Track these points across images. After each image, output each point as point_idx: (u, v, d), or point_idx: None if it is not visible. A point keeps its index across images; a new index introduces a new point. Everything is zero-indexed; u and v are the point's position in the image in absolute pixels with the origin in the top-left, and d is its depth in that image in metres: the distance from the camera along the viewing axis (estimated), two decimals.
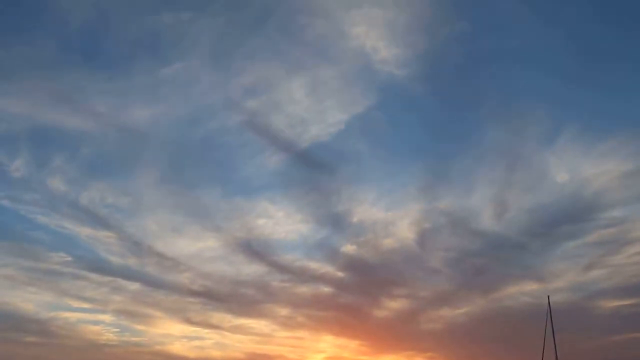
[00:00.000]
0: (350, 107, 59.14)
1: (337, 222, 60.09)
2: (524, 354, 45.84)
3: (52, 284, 54.60)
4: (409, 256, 58.55)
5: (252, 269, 59.49)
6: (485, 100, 59.24)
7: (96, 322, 55.69)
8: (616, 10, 58.14)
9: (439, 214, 58.22)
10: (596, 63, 58.50)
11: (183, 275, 57.65)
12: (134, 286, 56.48)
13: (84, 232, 56.36)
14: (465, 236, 57.17)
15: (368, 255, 59.47)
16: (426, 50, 56.88)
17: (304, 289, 59.18)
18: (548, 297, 38.76)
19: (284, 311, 58.54)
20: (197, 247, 59.52)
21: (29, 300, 53.22)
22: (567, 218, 53.80)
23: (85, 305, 55.20)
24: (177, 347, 56.48)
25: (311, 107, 59.17)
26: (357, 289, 59.66)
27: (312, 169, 60.57)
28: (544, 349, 37.86)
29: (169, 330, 57.05)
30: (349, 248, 59.24)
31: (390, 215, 60.06)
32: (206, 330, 57.89)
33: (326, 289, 59.22)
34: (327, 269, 59.36)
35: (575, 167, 54.68)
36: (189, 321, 57.44)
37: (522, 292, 54.22)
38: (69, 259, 55.04)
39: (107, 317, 55.97)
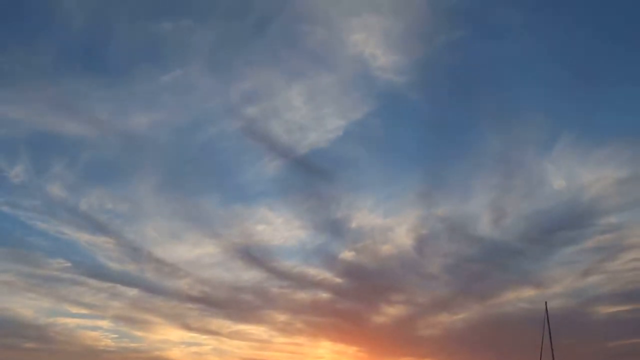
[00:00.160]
0: (348, 114, 59.65)
1: (335, 228, 60.46)
2: (521, 359, 46.08)
3: (51, 289, 54.83)
4: (407, 262, 58.88)
5: (250, 275, 59.73)
6: (483, 107, 59.78)
7: (95, 328, 55.80)
8: (613, 19, 58.99)
9: (437, 220, 58.68)
10: (592, 71, 59.02)
11: (182, 281, 57.86)
12: (133, 292, 56.65)
13: (83, 238, 56.57)
14: (463, 242, 57.49)
15: (366, 261, 59.81)
16: (424, 57, 57.55)
17: (303, 295, 59.42)
18: (545, 302, 39.10)
19: (282, 317, 58.73)
20: (196, 253, 59.79)
21: (28, 306, 53.42)
22: (565, 224, 54.29)
23: (84, 311, 55.43)
24: (175, 353, 56.63)
25: (310, 113, 59.64)
26: (356, 295, 59.88)
27: (311, 175, 61.04)
28: (541, 354, 38.06)
29: (167, 336, 57.19)
30: (347, 254, 59.53)
31: (389, 222, 60.44)
32: (204, 336, 58.08)
33: (324, 295, 59.50)
34: (326, 275, 59.58)
35: (572, 174, 55.23)
36: (188, 327, 57.62)
37: (519, 297, 54.61)
38: (68, 264, 55.22)
39: (105, 323, 56.15)
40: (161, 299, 57.17)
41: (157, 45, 58.12)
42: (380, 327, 58.04)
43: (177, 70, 58.24)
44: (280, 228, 61.48)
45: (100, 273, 55.70)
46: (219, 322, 58.45)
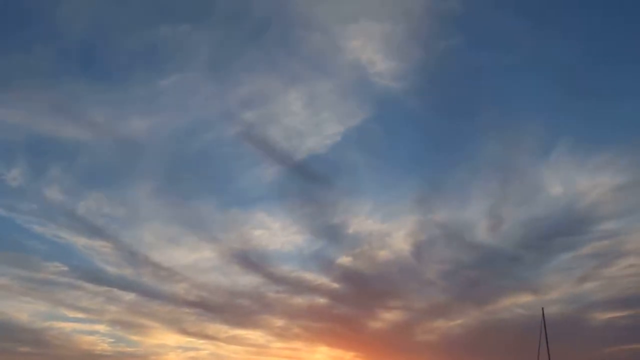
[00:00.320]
0: (346, 120, 59.77)
1: (332, 234, 60.49)
2: None
3: (47, 293, 54.48)
4: (404, 268, 58.87)
5: (247, 280, 59.59)
6: (481, 113, 60.25)
7: (91, 332, 55.46)
8: (612, 22, 59.42)
9: (435, 226, 58.84)
10: (590, 76, 59.45)
11: (179, 286, 57.69)
12: (130, 296, 56.41)
13: (80, 241, 56.32)
14: (461, 248, 57.61)
15: (363, 267, 59.80)
16: (422, 63, 57.83)
17: (300, 300, 59.30)
18: (542, 308, 39.25)
19: (279, 322, 58.61)
20: (193, 257, 59.67)
21: (24, 310, 53.07)
22: (562, 230, 54.45)
23: (81, 315, 55.07)
24: (172, 358, 56.41)
25: (308, 119, 59.80)
26: (353, 300, 59.84)
27: (309, 181, 61.02)
28: None
29: (164, 341, 56.96)
30: (344, 259, 59.53)
31: (386, 227, 60.41)
32: (201, 341, 57.80)
33: (322, 300, 59.35)
34: (323, 280, 59.53)
35: (569, 180, 55.35)
36: (185, 332, 57.38)
37: (516, 304, 54.76)
38: (65, 268, 54.94)
39: (102, 327, 55.79)
40: (158, 303, 57.06)
41: (155, 49, 58.38)
42: (377, 332, 58.08)
43: (175, 75, 58.31)
44: (277, 233, 61.59)
45: (97, 277, 55.58)
46: (216, 327, 58.38)
